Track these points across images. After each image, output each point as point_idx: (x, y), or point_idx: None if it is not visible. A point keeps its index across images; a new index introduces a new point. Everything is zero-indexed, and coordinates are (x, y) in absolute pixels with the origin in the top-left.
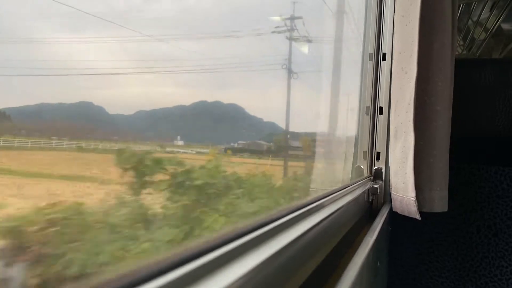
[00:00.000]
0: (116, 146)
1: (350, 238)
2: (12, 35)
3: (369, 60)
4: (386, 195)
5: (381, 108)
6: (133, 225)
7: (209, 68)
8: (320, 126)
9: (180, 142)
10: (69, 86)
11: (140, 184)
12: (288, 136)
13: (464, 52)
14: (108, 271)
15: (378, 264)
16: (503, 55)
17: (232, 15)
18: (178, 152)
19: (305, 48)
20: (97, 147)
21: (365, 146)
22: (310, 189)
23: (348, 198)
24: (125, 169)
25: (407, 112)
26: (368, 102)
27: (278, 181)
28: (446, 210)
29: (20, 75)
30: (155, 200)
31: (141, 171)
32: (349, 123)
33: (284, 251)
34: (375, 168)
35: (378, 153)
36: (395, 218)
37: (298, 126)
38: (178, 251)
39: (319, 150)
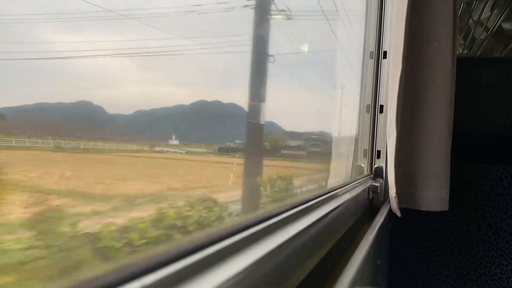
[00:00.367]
0: (99, 145)
1: (350, 236)
2: (11, 36)
3: (370, 58)
4: (386, 193)
5: (381, 107)
6: None
7: (162, 52)
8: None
9: (175, 142)
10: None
11: None
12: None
13: (465, 51)
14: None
15: (378, 261)
16: (503, 54)
17: None
18: (168, 151)
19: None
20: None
21: (366, 144)
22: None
23: (348, 196)
24: None
25: (395, 109)
26: (369, 101)
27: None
28: (447, 209)
29: (20, 75)
30: None
31: None
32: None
33: (284, 248)
34: (375, 166)
35: (379, 152)
36: (395, 216)
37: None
38: (173, 246)
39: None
